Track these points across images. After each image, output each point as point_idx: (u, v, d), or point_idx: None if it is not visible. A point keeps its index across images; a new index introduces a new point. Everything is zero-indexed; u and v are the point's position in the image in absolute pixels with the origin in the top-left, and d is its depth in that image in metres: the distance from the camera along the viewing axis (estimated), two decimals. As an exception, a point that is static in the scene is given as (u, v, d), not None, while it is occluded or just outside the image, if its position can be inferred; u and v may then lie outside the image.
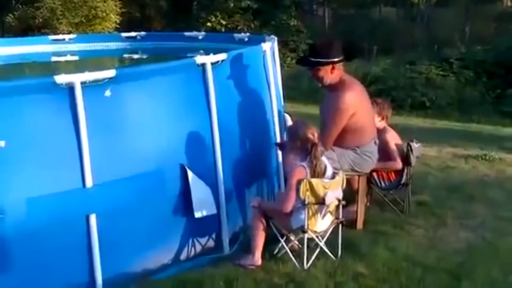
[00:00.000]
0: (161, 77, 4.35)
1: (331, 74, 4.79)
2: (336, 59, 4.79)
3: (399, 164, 5.44)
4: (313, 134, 4.36)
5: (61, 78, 3.76)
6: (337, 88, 4.80)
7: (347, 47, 5.19)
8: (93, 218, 3.94)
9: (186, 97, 4.52)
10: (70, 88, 3.79)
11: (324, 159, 4.40)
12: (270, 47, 5.52)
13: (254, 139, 5.19)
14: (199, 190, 4.45)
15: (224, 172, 4.68)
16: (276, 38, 6.18)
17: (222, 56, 4.71)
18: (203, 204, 4.48)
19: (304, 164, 4.31)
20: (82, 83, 3.81)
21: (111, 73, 3.94)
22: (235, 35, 7.28)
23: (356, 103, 4.80)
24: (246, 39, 6.80)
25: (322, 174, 4.33)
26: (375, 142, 5.08)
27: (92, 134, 3.88)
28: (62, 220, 3.83)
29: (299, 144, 4.37)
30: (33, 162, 3.74)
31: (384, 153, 5.37)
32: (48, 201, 3.77)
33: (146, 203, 4.22)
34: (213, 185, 4.60)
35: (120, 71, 4.08)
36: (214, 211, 4.58)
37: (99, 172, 3.92)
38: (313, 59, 4.84)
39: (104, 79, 3.92)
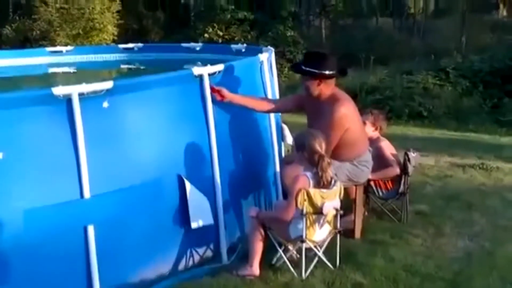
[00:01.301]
0: (158, 88, 4.36)
1: (318, 86, 4.77)
2: (326, 73, 4.74)
3: (396, 169, 5.44)
4: (320, 145, 4.34)
5: (59, 90, 3.76)
6: (329, 102, 4.77)
7: (344, 59, 5.13)
8: (91, 229, 3.94)
9: (184, 108, 4.53)
10: (68, 99, 3.80)
11: (330, 171, 4.35)
12: (267, 58, 5.55)
13: (251, 150, 5.20)
14: (196, 200, 4.45)
15: (222, 183, 4.69)
16: (273, 49, 6.21)
17: (219, 67, 4.73)
18: (200, 214, 4.47)
19: (308, 173, 4.31)
20: (79, 94, 3.82)
21: (108, 84, 3.95)
22: (233, 46, 7.29)
23: (350, 118, 4.80)
24: (243, 50, 6.82)
25: (327, 186, 4.32)
26: (369, 150, 5.11)
27: (90, 145, 3.88)
28: (60, 231, 3.83)
29: (306, 156, 4.36)
30: (31, 173, 3.73)
31: (381, 161, 5.39)
32: (46, 212, 3.76)
33: (144, 214, 4.22)
34: (210, 195, 4.61)
35: (118, 82, 4.07)
36: (211, 221, 4.57)
37: (97, 183, 3.92)
38: (303, 67, 4.84)
39: (101, 90, 3.92)
